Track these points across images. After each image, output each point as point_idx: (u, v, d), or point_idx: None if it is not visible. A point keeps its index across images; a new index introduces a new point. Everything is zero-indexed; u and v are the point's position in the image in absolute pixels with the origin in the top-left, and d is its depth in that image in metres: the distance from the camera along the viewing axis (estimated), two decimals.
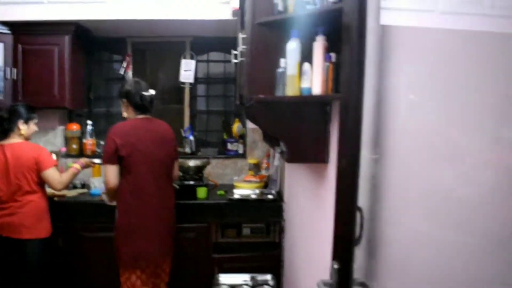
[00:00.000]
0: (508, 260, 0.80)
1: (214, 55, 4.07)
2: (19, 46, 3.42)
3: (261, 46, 1.75)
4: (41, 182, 2.81)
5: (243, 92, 2.33)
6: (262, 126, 1.83)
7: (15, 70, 3.41)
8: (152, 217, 2.66)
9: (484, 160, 0.91)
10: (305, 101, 1.72)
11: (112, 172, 2.60)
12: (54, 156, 3.15)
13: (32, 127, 2.87)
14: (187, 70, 3.90)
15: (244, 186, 3.39)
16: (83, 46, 3.75)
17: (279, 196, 3.29)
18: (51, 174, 2.77)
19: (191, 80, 3.91)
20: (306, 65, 1.64)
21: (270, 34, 1.75)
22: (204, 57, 4.05)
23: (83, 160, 3.05)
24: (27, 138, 2.85)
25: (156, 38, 3.95)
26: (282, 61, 1.70)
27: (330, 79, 1.58)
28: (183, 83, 3.93)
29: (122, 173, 2.64)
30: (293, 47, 1.67)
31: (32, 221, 2.75)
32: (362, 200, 1.19)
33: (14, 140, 2.78)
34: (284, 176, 3.26)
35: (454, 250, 1.00)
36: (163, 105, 4.08)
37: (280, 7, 1.71)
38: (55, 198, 3.24)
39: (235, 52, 2.71)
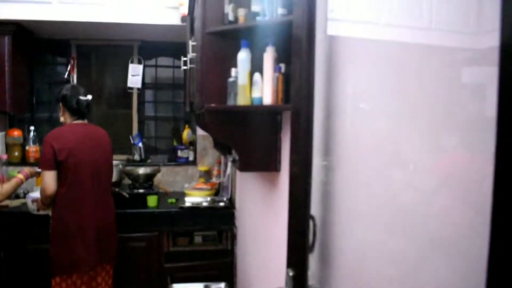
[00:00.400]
0: (450, 265, 0.85)
1: (162, 60, 4.02)
2: None
3: (212, 55, 1.75)
4: None
5: (194, 100, 2.32)
6: (214, 135, 1.83)
7: None
8: (90, 224, 2.58)
9: (426, 166, 0.96)
10: (256, 110, 1.74)
11: (51, 178, 2.50)
12: None
13: None
14: (135, 75, 3.83)
15: (195, 194, 3.36)
16: (24, 48, 3.58)
17: (231, 204, 3.29)
18: None
19: (139, 85, 3.84)
20: (256, 75, 1.66)
21: (221, 43, 1.75)
22: (152, 61, 3.99)
23: (27, 170, 2.86)
24: None
25: (103, 41, 3.85)
26: (233, 71, 1.71)
27: (280, 90, 1.60)
28: (131, 88, 3.85)
29: (59, 179, 2.55)
30: (243, 57, 1.68)
31: None
32: (315, 208, 1.22)
33: None
34: (235, 183, 3.27)
35: (401, 256, 1.05)
36: (110, 110, 3.98)
37: (230, 17, 1.72)
38: None
39: (184, 58, 2.70)
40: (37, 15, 3.14)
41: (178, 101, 4.04)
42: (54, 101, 3.39)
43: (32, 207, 2.78)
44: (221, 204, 3.24)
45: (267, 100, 1.62)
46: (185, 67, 2.67)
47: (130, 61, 3.86)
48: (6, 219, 3.06)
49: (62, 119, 2.70)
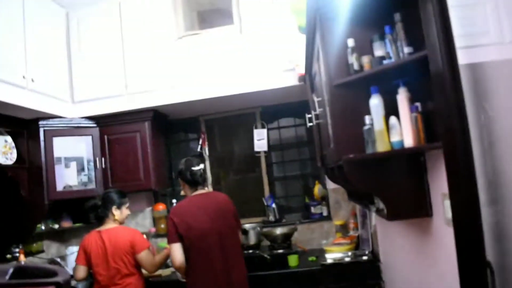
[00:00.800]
0: None
1: (283, 121, 4.14)
2: (105, 137, 3.70)
3: (342, 106, 1.75)
4: (138, 264, 2.87)
5: (326, 154, 2.32)
6: (356, 186, 1.78)
7: (103, 159, 3.66)
8: None
9: None
10: (398, 154, 1.67)
11: (176, 251, 2.61)
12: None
13: (125, 211, 2.99)
14: (260, 139, 3.98)
15: (335, 249, 3.27)
16: (161, 130, 3.97)
17: (374, 257, 3.12)
18: (145, 257, 2.83)
19: (265, 148, 3.98)
20: (392, 119, 1.61)
21: (349, 94, 1.75)
22: (275, 124, 4.13)
23: None
24: (121, 222, 2.96)
25: (227, 113, 4.11)
26: (367, 118, 1.68)
27: (421, 129, 1.53)
28: (258, 152, 4.00)
29: (186, 251, 2.65)
30: (376, 102, 1.65)
31: None
32: (489, 253, 1.09)
33: (109, 225, 2.91)
34: (376, 234, 3.11)
35: None
36: (240, 175, 4.15)
37: (355, 67, 1.72)
38: (150, 279, 3.29)
39: (308, 115, 2.74)
40: (170, 99, 3.50)
41: (303, 158, 4.08)
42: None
43: (178, 275, 2.92)
44: (364, 258, 3.09)
45: (408, 142, 1.55)
46: (310, 124, 2.71)
47: (254, 126, 4.04)
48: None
49: (182, 192, 2.89)
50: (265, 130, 4.00)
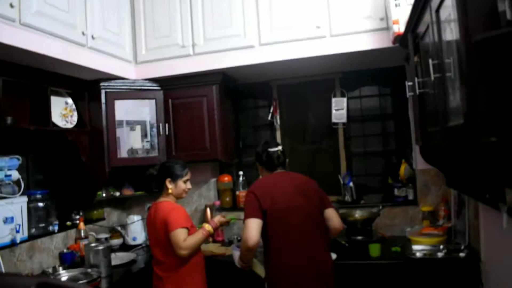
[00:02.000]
0: None
1: (366, 90, 3.65)
2: (169, 101, 3.42)
3: (483, 71, 1.27)
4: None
5: (434, 131, 1.85)
6: (498, 175, 1.32)
7: (167, 126, 3.39)
8: (309, 270, 2.30)
9: None
10: None
11: (255, 227, 2.29)
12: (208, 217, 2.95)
13: (181, 185, 2.65)
14: (339, 109, 3.53)
15: (423, 240, 2.82)
16: (229, 95, 3.63)
17: (472, 254, 2.63)
18: (173, 237, 2.43)
19: (344, 119, 3.53)
20: None
21: (492, 56, 1.27)
22: (356, 92, 3.65)
23: (217, 220, 2.70)
24: (176, 197, 2.66)
25: (303, 78, 3.68)
26: None
27: None
28: (336, 123, 3.56)
29: (267, 231, 2.34)
30: None
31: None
32: None
33: (162, 198, 2.65)
34: (477, 227, 2.61)
35: None
36: (314, 149, 3.76)
37: (508, 16, 1.23)
38: (213, 257, 3.03)
39: (409, 83, 2.27)
40: (241, 61, 3.12)
41: (388, 132, 3.59)
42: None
43: (237, 259, 2.56)
44: (461, 254, 2.62)
45: None
46: (411, 93, 2.24)
47: (332, 94, 3.59)
48: (221, 267, 2.94)
49: (261, 177, 2.63)
50: (344, 99, 3.54)
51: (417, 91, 2.09)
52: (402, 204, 3.32)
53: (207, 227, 2.57)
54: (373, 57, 3.12)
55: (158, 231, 2.50)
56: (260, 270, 2.50)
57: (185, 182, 2.67)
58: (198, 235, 2.51)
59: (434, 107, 1.84)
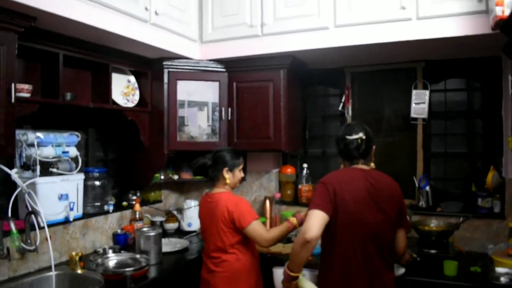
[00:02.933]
0: None
1: (452, 82, 3.22)
2: (234, 84, 3.23)
3: None
4: (241, 241, 2.38)
5: None
6: None
7: (230, 110, 3.21)
8: None
9: None
10: None
11: (319, 220, 1.91)
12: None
13: (238, 174, 2.51)
14: (419, 103, 3.15)
15: (509, 263, 2.42)
16: (298, 81, 3.37)
17: None
18: (253, 229, 2.30)
19: (425, 114, 3.14)
20: None
21: None
22: (440, 85, 3.23)
23: (303, 214, 2.36)
24: (232, 187, 2.52)
25: (379, 66, 3.33)
26: None
27: None
28: (415, 118, 3.18)
29: (326, 235, 2.01)
30: None
31: (224, 284, 2.35)
32: None
33: (217, 189, 2.49)
34: None
35: None
36: (389, 145, 3.41)
37: None
38: (268, 255, 2.82)
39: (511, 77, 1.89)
40: (314, 43, 2.83)
41: (475, 132, 3.15)
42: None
43: (280, 278, 2.17)
44: None
45: None
46: None
47: (413, 86, 3.20)
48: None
49: (342, 166, 2.23)
50: (427, 92, 3.14)
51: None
52: (486, 217, 2.90)
53: (293, 220, 2.36)
54: (463, 45, 2.70)
55: (219, 224, 2.36)
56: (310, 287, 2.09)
57: (240, 170, 2.53)
58: (283, 227, 2.36)
59: None
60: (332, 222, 1.97)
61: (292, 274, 1.99)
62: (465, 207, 3.02)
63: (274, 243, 2.35)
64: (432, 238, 2.60)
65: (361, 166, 2.11)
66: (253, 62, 3.12)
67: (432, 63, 3.19)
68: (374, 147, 2.20)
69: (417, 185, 3.11)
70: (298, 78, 3.34)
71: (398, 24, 2.60)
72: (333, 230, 1.98)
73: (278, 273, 2.28)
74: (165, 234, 3.27)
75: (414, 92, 3.17)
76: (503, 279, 2.30)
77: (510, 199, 2.85)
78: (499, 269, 2.40)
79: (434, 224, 2.75)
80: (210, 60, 3.19)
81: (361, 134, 2.11)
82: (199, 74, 3.19)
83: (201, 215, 2.54)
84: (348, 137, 2.10)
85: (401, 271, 2.42)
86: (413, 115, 3.16)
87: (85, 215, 2.80)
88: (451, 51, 2.91)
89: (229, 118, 3.21)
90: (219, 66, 3.22)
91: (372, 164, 2.18)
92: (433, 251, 2.57)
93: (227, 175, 2.47)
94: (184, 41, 3.05)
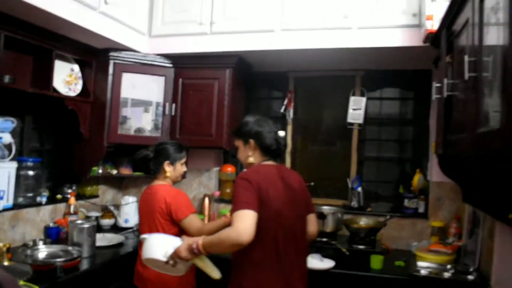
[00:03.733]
0: None
1: (387, 91, 3.43)
2: (179, 80, 3.25)
3: None
4: (177, 234, 2.25)
5: (458, 139, 1.65)
6: None
7: (174, 106, 3.23)
8: None
9: None
10: None
11: (253, 220, 1.76)
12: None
13: (179, 168, 2.52)
14: (356, 109, 3.33)
15: (429, 257, 2.62)
16: (242, 82, 3.45)
17: (481, 278, 2.42)
18: (189, 222, 2.32)
19: (361, 120, 3.32)
20: None
21: None
22: (376, 93, 3.44)
23: None
24: (173, 180, 2.53)
25: (322, 72, 3.49)
26: None
27: None
28: (351, 124, 3.36)
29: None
30: None
31: (157, 276, 2.25)
32: None
33: (158, 182, 2.49)
34: (489, 249, 2.40)
35: None
36: (326, 147, 3.57)
37: None
38: None
39: (437, 85, 2.07)
40: (259, 45, 2.94)
41: (405, 139, 3.38)
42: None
43: (181, 267, 1.94)
44: (469, 277, 2.41)
45: None
46: (438, 96, 2.04)
47: (351, 93, 3.38)
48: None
49: (251, 159, 2.06)
50: (364, 99, 3.33)
51: (445, 93, 1.89)
52: (411, 217, 3.11)
53: (230, 216, 2.24)
54: (399, 56, 2.92)
55: (156, 215, 2.35)
56: (213, 270, 1.96)
57: (182, 164, 2.54)
58: (220, 222, 2.38)
59: (463, 112, 1.65)
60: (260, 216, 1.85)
61: (203, 252, 1.85)
62: (393, 207, 3.22)
63: None
64: (361, 234, 2.75)
65: (273, 162, 2.07)
66: (200, 59, 3.16)
67: (370, 72, 3.38)
68: None
69: (350, 186, 3.27)
70: (243, 79, 3.42)
71: (340, 32, 2.76)
72: (256, 227, 1.81)
73: (165, 244, 1.95)
74: (101, 229, 3.19)
75: (352, 98, 3.35)
76: (423, 272, 2.47)
77: (433, 200, 3.08)
78: (420, 263, 2.59)
79: (363, 222, 2.91)
80: (158, 54, 3.19)
81: (283, 132, 2.13)
82: (145, 67, 3.18)
83: (140, 207, 2.53)
84: (280, 133, 2.08)
85: (331, 264, 2.54)
86: (349, 120, 3.33)
87: (16, 206, 2.68)
88: (387, 62, 3.11)
89: (173, 113, 3.22)
90: (166, 61, 3.23)
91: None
92: (361, 247, 2.72)
93: (168, 168, 2.47)
94: (133, 33, 3.04)
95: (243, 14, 2.94)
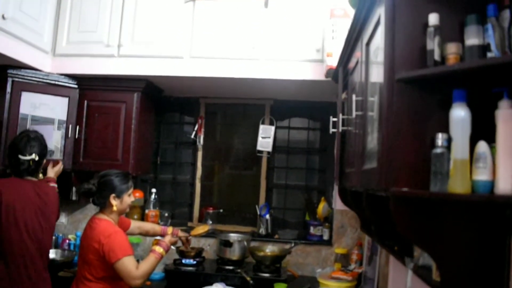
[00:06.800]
0: None
1: (296, 121, 3.55)
2: (85, 102, 3.11)
3: (403, 112, 1.16)
4: (111, 276, 2.16)
5: (350, 172, 1.73)
6: (402, 230, 1.18)
7: (77, 128, 3.08)
8: None
9: None
10: (480, 202, 1.08)
11: None
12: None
13: (127, 200, 2.30)
14: (265, 137, 3.39)
15: (331, 285, 2.69)
16: (152, 106, 3.39)
17: None
18: (122, 266, 2.10)
19: (270, 148, 3.38)
20: (482, 146, 1.03)
21: (417, 95, 1.16)
22: (285, 122, 3.54)
23: (168, 240, 2.38)
24: (121, 213, 2.33)
25: (233, 100, 3.52)
26: (440, 137, 1.10)
27: None
28: (260, 151, 3.41)
29: None
30: (461, 115, 1.06)
31: None
32: None
33: (102, 215, 2.26)
34: (388, 275, 2.52)
35: None
36: (234, 174, 3.59)
37: (436, 56, 1.13)
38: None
39: (333, 119, 2.17)
40: (168, 71, 2.90)
41: (312, 167, 3.49)
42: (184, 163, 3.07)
43: None
44: None
45: (504, 187, 0.97)
46: (334, 130, 2.13)
47: (261, 121, 3.45)
48: None
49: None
50: (273, 128, 3.40)
51: (340, 128, 1.98)
52: (317, 244, 3.20)
53: (158, 249, 2.25)
54: (306, 88, 3.03)
55: (89, 253, 2.15)
56: None
57: (129, 195, 2.32)
58: (151, 260, 2.20)
59: (354, 147, 1.73)
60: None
61: None
62: (300, 234, 3.29)
63: (146, 279, 2.18)
64: (266, 262, 2.77)
65: (30, 178, 2.38)
66: (107, 82, 3.06)
67: (279, 102, 3.47)
68: (45, 160, 2.51)
69: (258, 213, 3.30)
70: (153, 103, 3.36)
71: (248, 62, 2.81)
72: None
73: None
74: None
75: (261, 126, 3.41)
76: None
77: (337, 227, 3.19)
78: None
79: (269, 249, 2.94)
80: (62, 74, 3.04)
81: (33, 156, 2.37)
82: (48, 87, 3.00)
83: (81, 238, 2.30)
84: (21, 157, 2.33)
85: None
86: (259, 148, 3.38)
87: None
88: (296, 93, 3.21)
89: (76, 136, 3.07)
90: (71, 81, 3.08)
91: (41, 175, 2.51)
92: (266, 275, 2.73)
93: (114, 201, 2.25)
94: (35, 51, 2.87)
95: (152, 39, 2.90)
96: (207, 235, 3.21)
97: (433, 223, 1.13)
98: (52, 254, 2.94)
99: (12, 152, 2.38)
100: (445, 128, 1.09)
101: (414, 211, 1.13)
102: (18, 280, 2.22)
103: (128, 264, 2.11)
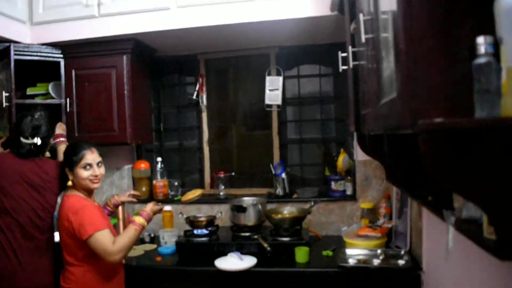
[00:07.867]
0: None
1: (305, 69, 3.20)
2: (72, 72, 2.84)
3: (425, 23, 0.83)
4: (89, 254, 1.98)
5: (367, 113, 1.42)
6: (438, 176, 0.87)
7: (68, 101, 2.82)
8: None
9: None
10: None
11: None
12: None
13: (80, 173, 2.03)
14: (273, 89, 3.07)
15: (359, 244, 2.43)
16: (147, 68, 3.10)
17: (413, 261, 2.26)
18: (96, 243, 1.92)
19: (279, 101, 3.07)
20: None
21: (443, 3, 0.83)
22: (294, 71, 3.20)
23: (149, 209, 2.16)
24: (84, 188, 2.07)
25: (234, 53, 3.19)
26: (481, 42, 0.77)
27: None
28: (269, 105, 3.10)
29: None
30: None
31: None
32: None
33: (69, 191, 2.08)
34: (419, 229, 2.24)
35: None
36: (243, 133, 3.32)
37: None
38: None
39: (342, 54, 1.84)
40: (154, 25, 2.59)
41: (328, 118, 3.17)
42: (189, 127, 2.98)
43: None
44: (400, 262, 2.24)
45: None
46: (344, 67, 1.81)
47: (266, 73, 3.12)
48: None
49: None
50: (280, 78, 3.07)
51: (351, 64, 1.66)
52: (340, 200, 2.91)
53: (139, 219, 2.04)
54: (312, 28, 2.68)
55: (62, 234, 2.00)
56: None
57: (85, 168, 2.05)
58: (130, 232, 1.99)
59: (368, 82, 1.42)
60: None
61: None
62: (320, 191, 3.02)
63: (125, 253, 1.97)
64: (285, 225, 2.51)
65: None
66: (93, 46, 2.77)
67: (285, 49, 3.13)
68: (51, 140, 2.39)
69: (273, 172, 3.03)
70: (146, 65, 3.07)
71: (242, 4, 2.47)
72: None
73: None
74: None
75: (268, 78, 3.09)
76: (351, 261, 2.29)
77: (361, 180, 2.89)
78: (349, 251, 2.40)
79: (287, 211, 2.69)
80: (43, 44, 2.78)
81: (35, 140, 2.18)
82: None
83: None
84: (23, 140, 2.17)
85: (251, 262, 2.29)
86: (267, 101, 3.07)
87: None
88: (302, 36, 2.88)
89: (68, 110, 2.83)
90: (54, 51, 2.81)
91: (48, 154, 2.37)
92: (286, 239, 2.48)
93: (70, 176, 2.06)
94: (10, 22, 2.61)
95: None
96: (220, 200, 3.01)
97: (479, 162, 0.82)
98: None
99: (14, 133, 2.22)
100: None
101: (451, 148, 0.83)
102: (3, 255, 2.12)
103: (102, 240, 1.91)
